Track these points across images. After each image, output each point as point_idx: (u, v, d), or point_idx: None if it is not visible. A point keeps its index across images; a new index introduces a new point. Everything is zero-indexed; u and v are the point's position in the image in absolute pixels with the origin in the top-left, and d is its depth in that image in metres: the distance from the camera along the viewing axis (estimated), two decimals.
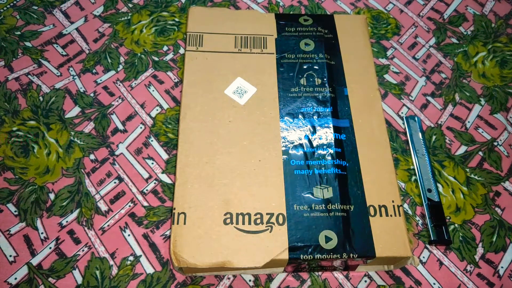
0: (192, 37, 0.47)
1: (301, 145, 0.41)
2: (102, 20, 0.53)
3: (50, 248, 0.40)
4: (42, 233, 0.40)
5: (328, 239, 0.37)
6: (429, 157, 0.46)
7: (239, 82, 0.44)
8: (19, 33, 0.51)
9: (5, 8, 0.53)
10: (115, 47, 0.51)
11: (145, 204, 0.42)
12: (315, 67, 0.46)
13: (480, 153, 0.47)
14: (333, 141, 0.41)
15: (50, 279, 0.39)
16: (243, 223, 0.38)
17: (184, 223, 0.37)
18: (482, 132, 0.48)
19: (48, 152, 0.44)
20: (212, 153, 0.41)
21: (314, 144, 0.41)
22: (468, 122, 0.48)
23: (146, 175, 0.44)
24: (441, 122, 0.48)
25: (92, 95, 0.48)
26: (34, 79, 0.48)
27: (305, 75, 0.45)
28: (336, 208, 0.38)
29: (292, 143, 0.41)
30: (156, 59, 0.50)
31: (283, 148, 0.41)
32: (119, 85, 0.49)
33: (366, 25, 0.50)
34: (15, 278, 0.38)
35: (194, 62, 0.46)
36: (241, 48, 0.47)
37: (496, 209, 0.44)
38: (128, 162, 0.44)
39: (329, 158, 0.41)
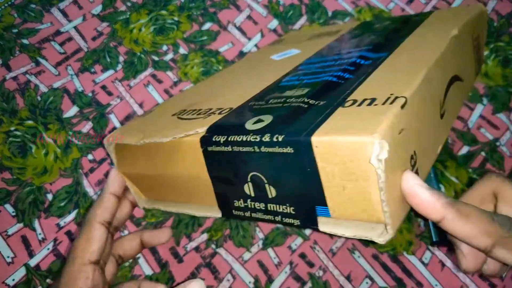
0: None
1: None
2: (100, 19, 0.52)
3: (48, 249, 0.40)
4: (40, 234, 0.40)
5: (259, 121, 0.26)
6: None
7: None
8: (16, 30, 0.50)
9: (3, 7, 0.52)
10: (113, 46, 0.50)
11: None
12: None
13: (483, 153, 0.46)
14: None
15: (48, 280, 0.38)
16: (188, 114, 0.32)
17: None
18: (485, 132, 0.48)
19: (46, 152, 0.44)
20: None
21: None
22: (471, 122, 0.48)
23: None
24: None
25: (90, 94, 0.47)
26: (32, 78, 0.48)
27: None
28: (298, 100, 0.27)
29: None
30: (156, 58, 0.50)
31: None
32: (118, 84, 0.48)
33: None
34: (13, 279, 0.38)
35: None
36: None
37: None
38: None
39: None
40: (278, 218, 0.26)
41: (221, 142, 0.25)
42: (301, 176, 0.23)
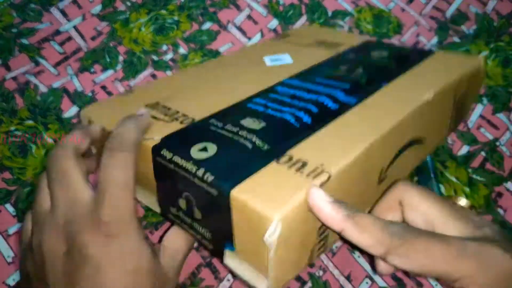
0: None
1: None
2: (100, 18, 0.52)
3: None
4: None
5: (204, 149, 0.27)
6: (431, 157, 0.45)
7: None
8: (15, 30, 0.50)
9: (2, 7, 0.52)
10: (113, 45, 0.50)
11: None
12: None
13: (483, 153, 0.46)
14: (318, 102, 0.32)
15: None
16: (157, 111, 0.32)
17: None
18: (485, 132, 0.48)
19: (46, 152, 0.44)
20: None
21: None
22: (471, 122, 0.48)
23: None
24: None
25: (90, 94, 0.47)
26: (31, 78, 0.48)
27: None
28: (247, 137, 0.28)
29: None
30: (156, 58, 0.50)
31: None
32: (118, 84, 0.48)
33: None
34: (13, 280, 0.38)
35: None
36: None
37: (499, 210, 0.43)
38: None
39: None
40: (198, 237, 0.28)
41: (167, 158, 0.27)
42: (219, 214, 0.25)
